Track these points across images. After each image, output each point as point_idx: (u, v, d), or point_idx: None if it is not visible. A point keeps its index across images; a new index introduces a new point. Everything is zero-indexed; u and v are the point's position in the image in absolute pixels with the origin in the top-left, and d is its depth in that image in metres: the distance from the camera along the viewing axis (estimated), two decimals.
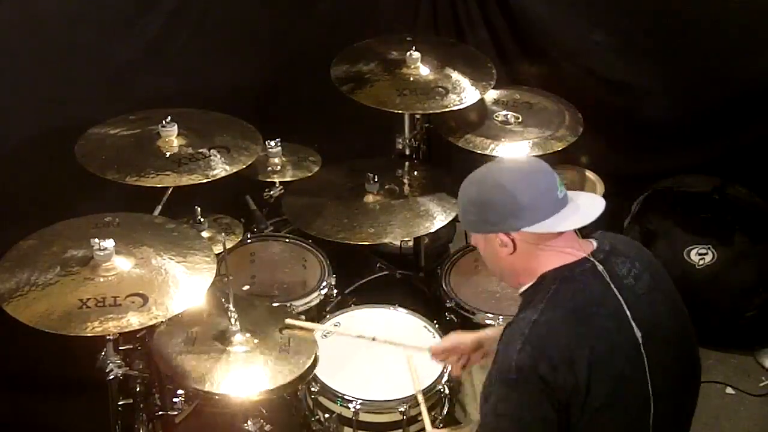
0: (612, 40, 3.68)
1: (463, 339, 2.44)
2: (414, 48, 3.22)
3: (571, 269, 1.94)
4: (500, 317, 2.86)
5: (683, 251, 3.42)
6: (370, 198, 3.10)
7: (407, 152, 3.37)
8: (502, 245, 1.97)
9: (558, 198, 1.94)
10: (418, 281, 3.40)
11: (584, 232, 2.03)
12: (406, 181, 3.24)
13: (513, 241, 1.95)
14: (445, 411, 2.67)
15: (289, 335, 2.56)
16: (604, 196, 3.24)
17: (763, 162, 3.57)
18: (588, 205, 1.99)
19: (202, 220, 2.98)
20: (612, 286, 1.93)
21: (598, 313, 1.91)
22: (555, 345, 1.86)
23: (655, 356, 1.93)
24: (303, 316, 2.82)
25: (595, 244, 2.00)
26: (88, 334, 2.20)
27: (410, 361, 2.59)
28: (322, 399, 2.61)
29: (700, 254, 3.41)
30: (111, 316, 2.22)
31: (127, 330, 2.24)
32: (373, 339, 2.65)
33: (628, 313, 1.92)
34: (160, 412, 2.66)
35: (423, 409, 2.49)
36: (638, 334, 1.92)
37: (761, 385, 3.38)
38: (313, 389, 2.61)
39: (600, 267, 1.94)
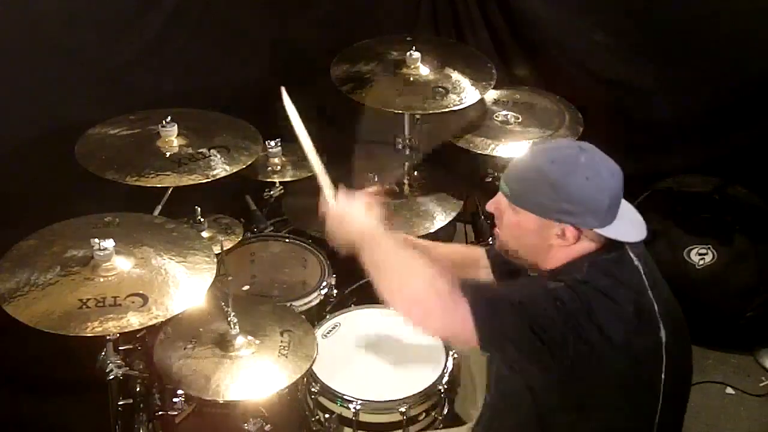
0: (612, 40, 3.68)
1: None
2: (414, 48, 3.22)
3: (598, 253, 1.89)
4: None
5: (683, 251, 3.42)
6: None
7: (407, 152, 3.37)
8: (560, 236, 1.88)
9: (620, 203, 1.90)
10: None
11: None
12: (406, 181, 3.24)
13: (578, 236, 1.87)
14: (445, 411, 2.67)
15: (290, 339, 2.56)
16: None
17: (763, 162, 3.57)
18: (633, 213, 1.97)
19: (202, 220, 2.98)
20: (639, 266, 1.90)
21: (627, 296, 1.86)
22: (590, 302, 1.80)
23: (670, 339, 1.92)
24: (303, 316, 2.83)
25: None
26: (88, 334, 2.20)
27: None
28: (322, 399, 2.60)
29: (700, 254, 3.41)
30: (111, 316, 2.22)
31: (127, 330, 2.24)
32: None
33: (651, 294, 1.89)
34: (160, 412, 2.65)
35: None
36: (658, 314, 1.90)
37: (761, 385, 3.38)
38: (313, 389, 2.61)
39: (630, 254, 1.91)
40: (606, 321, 1.79)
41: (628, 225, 1.90)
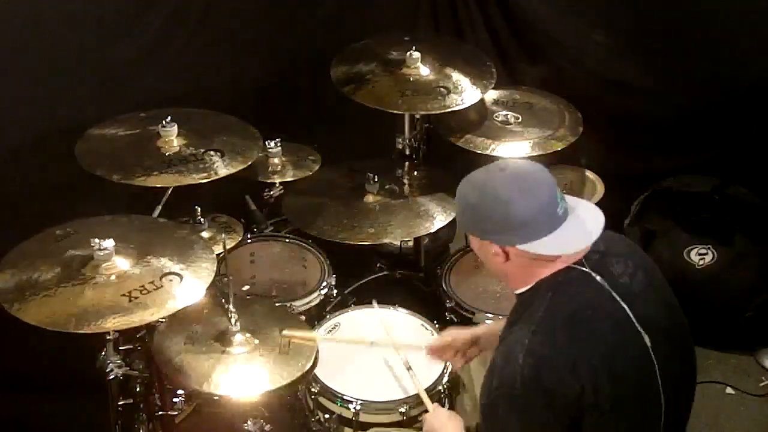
0: (612, 40, 3.68)
1: (459, 335, 2.47)
2: (414, 48, 3.22)
3: (566, 274, 1.93)
4: (500, 317, 2.86)
5: (683, 251, 3.42)
6: (370, 198, 3.10)
7: (407, 152, 3.37)
8: (494, 254, 1.95)
9: (557, 214, 1.90)
10: (418, 281, 3.40)
11: None
12: (406, 181, 3.24)
13: (506, 253, 1.94)
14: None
15: (290, 339, 2.56)
16: (604, 196, 3.28)
17: (763, 162, 3.57)
18: (587, 220, 1.95)
19: (202, 220, 2.98)
20: (608, 287, 1.93)
21: (595, 317, 1.90)
22: (556, 353, 1.86)
23: (662, 355, 1.93)
24: (303, 317, 2.83)
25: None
26: (93, 331, 2.20)
27: (408, 365, 2.60)
28: (322, 399, 2.60)
29: (700, 254, 3.41)
30: (112, 315, 2.22)
31: (126, 327, 2.25)
32: (371, 343, 2.68)
33: (629, 313, 1.92)
34: (160, 412, 2.66)
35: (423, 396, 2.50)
36: (643, 333, 1.92)
37: (761, 385, 3.38)
38: (313, 389, 2.61)
39: (593, 270, 1.93)
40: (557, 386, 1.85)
41: (571, 236, 1.91)
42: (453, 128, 3.26)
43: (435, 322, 2.85)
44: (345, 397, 2.56)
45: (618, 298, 1.92)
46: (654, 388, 1.94)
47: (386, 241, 3.16)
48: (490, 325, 2.52)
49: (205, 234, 2.93)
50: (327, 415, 2.59)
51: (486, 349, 2.43)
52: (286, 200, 3.17)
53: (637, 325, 1.92)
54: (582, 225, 1.93)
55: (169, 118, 2.81)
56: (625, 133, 3.78)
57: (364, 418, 2.55)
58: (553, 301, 1.91)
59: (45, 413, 3.03)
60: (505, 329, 2.03)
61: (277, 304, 2.85)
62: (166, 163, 2.73)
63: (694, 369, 2.13)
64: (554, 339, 1.87)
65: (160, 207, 2.78)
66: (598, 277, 1.93)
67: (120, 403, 2.57)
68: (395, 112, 3.13)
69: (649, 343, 1.92)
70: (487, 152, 3.14)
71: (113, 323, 2.22)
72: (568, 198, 1.96)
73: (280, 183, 3.17)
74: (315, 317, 2.90)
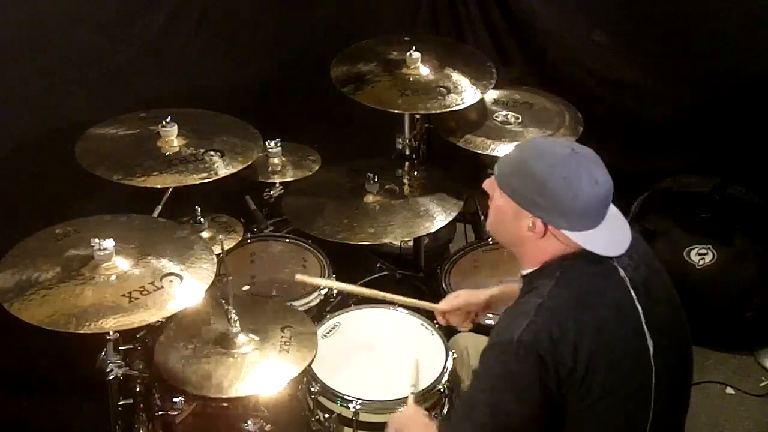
0: (612, 40, 3.68)
1: (471, 300, 2.47)
2: (414, 48, 3.22)
3: (576, 257, 1.93)
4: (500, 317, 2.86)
5: (683, 251, 3.42)
6: (370, 198, 3.10)
7: (407, 152, 3.37)
8: (530, 229, 1.93)
9: (604, 213, 1.91)
10: (418, 281, 3.40)
11: None
12: (406, 181, 3.24)
13: (545, 232, 1.92)
14: (445, 411, 2.67)
15: (291, 335, 2.56)
16: None
17: (763, 162, 3.58)
18: (621, 228, 1.96)
19: (202, 220, 2.98)
20: (620, 272, 1.93)
21: (600, 303, 1.90)
22: (558, 325, 1.85)
23: (661, 361, 1.93)
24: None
25: None
26: (93, 331, 2.20)
27: (416, 363, 2.60)
28: (322, 399, 2.60)
29: (700, 254, 3.41)
30: (112, 315, 2.23)
31: (126, 328, 2.25)
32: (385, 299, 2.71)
33: (636, 301, 1.92)
34: (160, 412, 2.65)
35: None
36: (648, 337, 1.92)
37: (761, 385, 3.39)
38: (313, 389, 2.60)
39: (613, 263, 1.93)
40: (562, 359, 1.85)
41: (607, 237, 1.92)
42: (453, 128, 3.26)
43: (435, 322, 2.85)
44: (345, 397, 2.55)
45: (628, 285, 1.92)
46: (646, 392, 1.94)
47: (386, 241, 3.15)
48: (505, 286, 2.45)
49: (205, 234, 2.93)
50: (327, 415, 2.59)
51: (498, 309, 2.38)
52: (286, 200, 3.17)
53: (644, 324, 1.92)
54: (618, 231, 1.95)
55: (169, 118, 2.81)
56: (625, 133, 3.78)
57: (363, 417, 2.55)
58: (562, 279, 1.91)
59: (45, 413, 3.03)
60: (514, 303, 2.03)
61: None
62: (166, 163, 2.73)
63: (691, 373, 2.13)
64: (560, 314, 1.87)
65: (160, 207, 2.78)
66: (621, 272, 1.93)
67: (120, 403, 2.56)
68: (395, 112, 3.13)
69: (651, 349, 1.92)
70: (487, 152, 3.14)
71: (113, 323, 2.22)
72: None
73: (280, 183, 3.17)
74: (315, 317, 2.89)
